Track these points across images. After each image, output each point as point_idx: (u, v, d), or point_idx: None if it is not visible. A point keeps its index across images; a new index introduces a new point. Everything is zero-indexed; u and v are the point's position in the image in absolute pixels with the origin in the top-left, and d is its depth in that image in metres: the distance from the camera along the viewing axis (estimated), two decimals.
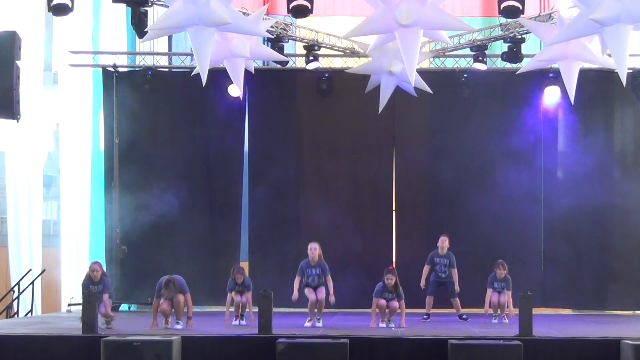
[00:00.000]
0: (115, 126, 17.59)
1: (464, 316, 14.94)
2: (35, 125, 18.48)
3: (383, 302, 13.50)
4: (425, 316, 14.92)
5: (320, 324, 13.53)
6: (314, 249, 13.69)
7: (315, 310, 13.68)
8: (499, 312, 14.62)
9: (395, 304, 13.50)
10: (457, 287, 14.82)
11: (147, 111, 17.77)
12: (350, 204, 17.51)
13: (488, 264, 14.72)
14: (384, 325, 13.51)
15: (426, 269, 14.96)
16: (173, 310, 13.14)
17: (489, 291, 14.56)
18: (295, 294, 13.66)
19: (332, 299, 13.61)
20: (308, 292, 13.72)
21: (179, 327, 12.95)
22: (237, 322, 13.85)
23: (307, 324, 13.56)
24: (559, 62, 14.14)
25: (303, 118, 17.86)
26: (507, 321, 14.39)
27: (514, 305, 13.73)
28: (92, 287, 13.21)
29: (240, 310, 13.93)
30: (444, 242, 14.94)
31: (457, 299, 14.95)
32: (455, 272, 14.85)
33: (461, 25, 13.83)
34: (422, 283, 14.93)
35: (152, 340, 11.03)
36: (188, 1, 12.01)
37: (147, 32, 13.83)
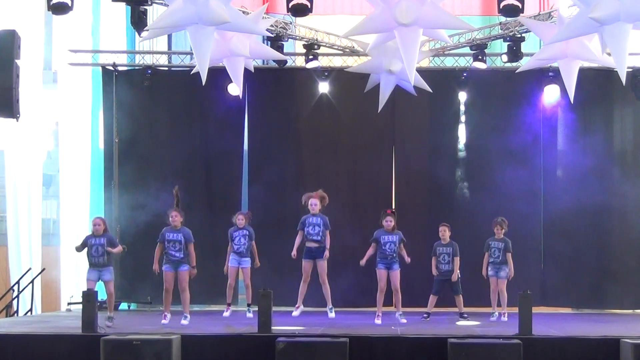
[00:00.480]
0: (115, 125, 17.60)
1: (465, 315, 14.93)
2: (35, 124, 18.48)
3: (383, 283, 13.50)
4: (425, 315, 14.90)
5: (333, 315, 13.54)
6: (315, 205, 13.89)
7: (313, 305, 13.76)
8: (497, 310, 14.62)
9: (396, 273, 13.58)
10: (454, 276, 14.73)
11: (146, 110, 17.77)
12: (350, 203, 17.52)
13: None
14: (379, 322, 13.49)
15: (434, 260, 14.91)
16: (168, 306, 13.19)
17: (487, 255, 14.64)
18: (294, 252, 13.80)
19: (327, 254, 13.72)
20: (305, 263, 13.78)
21: (185, 322, 12.97)
22: (228, 313, 13.85)
23: (295, 312, 13.53)
24: (558, 61, 14.12)
25: (302, 117, 17.86)
26: (505, 319, 14.37)
27: (513, 304, 13.60)
28: (93, 240, 13.18)
29: (231, 294, 14.06)
30: (444, 232, 14.86)
31: (461, 296, 14.92)
32: (457, 261, 14.76)
33: (461, 24, 13.83)
34: (434, 271, 14.86)
35: (151, 339, 11.02)
36: (187, 0, 12.01)
37: (147, 30, 13.83)
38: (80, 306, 12.66)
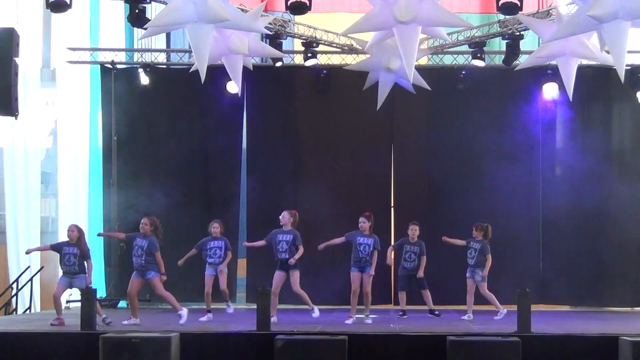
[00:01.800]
0: (113, 123, 17.64)
1: (436, 312, 14.79)
2: (34, 122, 18.47)
3: (356, 285, 13.49)
4: (400, 313, 14.74)
5: (317, 314, 13.45)
6: (283, 217, 13.78)
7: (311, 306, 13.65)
8: (471, 310, 14.52)
9: (368, 277, 13.50)
10: (420, 273, 14.53)
11: (145, 108, 17.79)
12: (349, 201, 17.47)
13: None
14: (351, 320, 13.43)
15: (391, 250, 14.95)
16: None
17: (461, 242, 14.63)
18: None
19: (292, 261, 13.47)
20: (276, 275, 13.60)
21: (182, 321, 12.98)
22: (204, 318, 13.76)
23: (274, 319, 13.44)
24: (557, 59, 14.14)
25: (301, 115, 17.87)
26: (499, 317, 14.33)
27: (511, 302, 13.49)
28: (66, 248, 13.19)
29: (209, 302, 14.01)
30: (414, 231, 14.74)
31: (427, 291, 14.76)
32: (423, 260, 14.61)
33: (459, 21, 13.83)
34: (389, 261, 14.87)
35: (150, 337, 11.01)
36: None
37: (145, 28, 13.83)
38: (78, 304, 12.67)
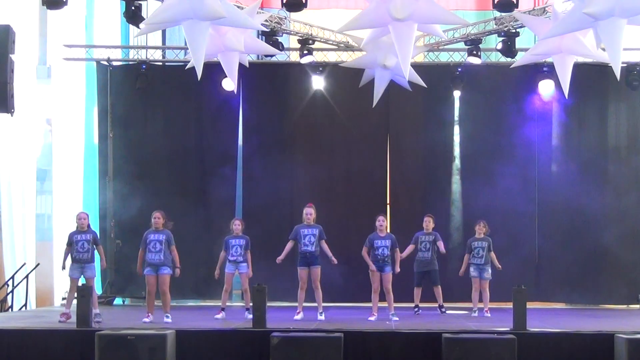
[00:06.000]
0: (109, 120, 17.62)
1: (443, 308, 14.92)
2: (29, 119, 18.44)
3: (376, 284, 13.54)
4: (415, 309, 14.87)
5: (322, 317, 13.46)
6: (310, 214, 13.68)
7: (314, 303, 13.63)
8: (479, 305, 14.53)
9: (388, 275, 13.59)
10: (442, 249, 14.72)
11: (141, 104, 17.76)
12: (345, 198, 17.51)
13: None
14: (373, 319, 13.46)
15: (410, 248, 14.89)
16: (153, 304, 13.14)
17: (467, 257, 14.54)
18: (281, 257, 13.64)
19: (334, 260, 13.53)
20: (301, 271, 13.58)
21: (168, 320, 12.92)
22: (220, 316, 13.68)
23: (297, 316, 13.41)
24: (553, 56, 14.15)
25: (297, 112, 17.85)
26: (488, 315, 14.32)
27: (507, 299, 13.47)
28: (78, 236, 13.16)
29: (226, 299, 13.90)
30: (428, 223, 14.88)
31: (439, 287, 14.93)
32: (440, 245, 14.79)
33: (455, 19, 13.83)
34: (403, 254, 14.67)
35: (146, 334, 11.03)
36: None
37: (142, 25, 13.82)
38: (74, 301, 12.66)
